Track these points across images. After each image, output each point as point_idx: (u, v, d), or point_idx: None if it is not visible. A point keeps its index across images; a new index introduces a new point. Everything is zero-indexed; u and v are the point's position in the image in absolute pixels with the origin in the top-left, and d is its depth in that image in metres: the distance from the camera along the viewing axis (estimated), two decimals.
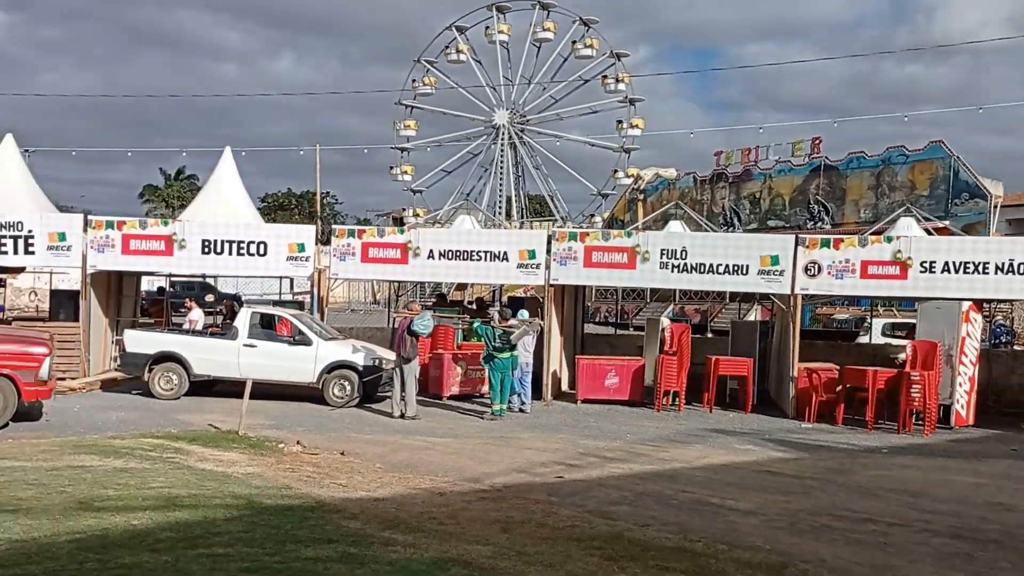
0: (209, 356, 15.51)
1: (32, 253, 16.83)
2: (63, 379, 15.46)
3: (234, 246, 17.04)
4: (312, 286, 18.03)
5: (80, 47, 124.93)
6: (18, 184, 19.70)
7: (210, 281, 31.36)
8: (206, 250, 17.00)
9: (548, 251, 16.51)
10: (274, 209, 60.99)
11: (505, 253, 16.58)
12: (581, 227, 42.51)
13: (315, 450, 11.75)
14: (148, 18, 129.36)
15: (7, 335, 13.30)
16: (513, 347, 14.91)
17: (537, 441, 13.17)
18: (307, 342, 15.46)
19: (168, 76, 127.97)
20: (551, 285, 16.60)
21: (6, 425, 12.19)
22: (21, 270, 19.49)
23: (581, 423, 15.03)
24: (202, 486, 8.91)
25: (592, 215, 52.22)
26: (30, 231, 16.73)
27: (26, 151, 21.99)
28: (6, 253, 16.79)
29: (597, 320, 34.32)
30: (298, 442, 12.02)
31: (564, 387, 18.06)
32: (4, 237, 16.68)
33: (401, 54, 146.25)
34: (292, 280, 23.87)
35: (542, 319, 16.68)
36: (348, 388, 15.38)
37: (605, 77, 52.30)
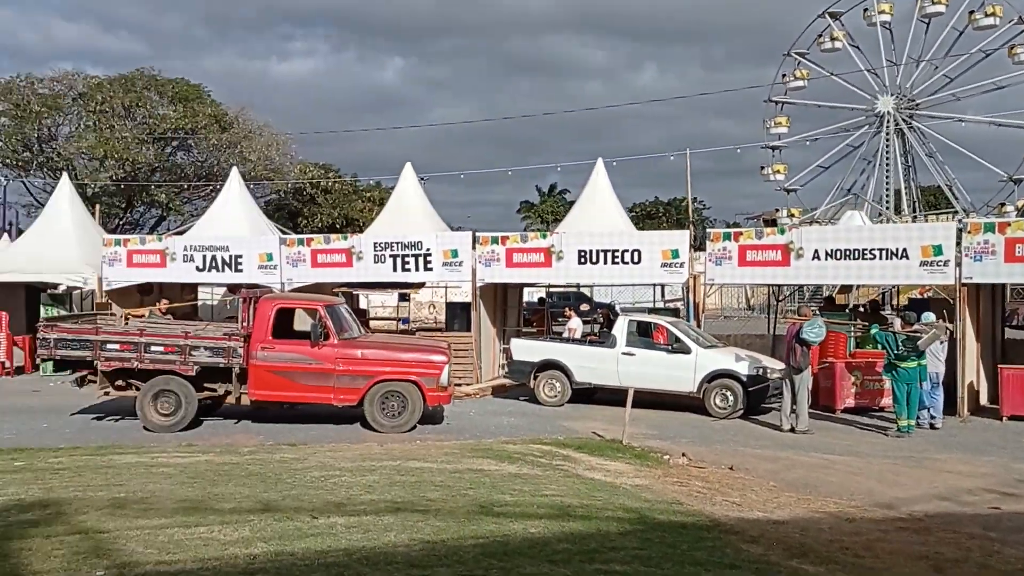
0: (589, 364, 15.65)
1: (430, 269, 18.30)
2: (459, 385, 16.56)
3: (608, 255, 17.12)
4: (686, 292, 17.56)
5: (462, 81, 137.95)
6: (417, 208, 21.69)
7: (584, 291, 32.23)
8: (582, 260, 17.28)
9: (958, 246, 14.39)
10: (642, 218, 61.72)
11: (904, 250, 14.74)
12: (989, 218, 37.31)
13: (701, 463, 11.20)
14: (520, 48, 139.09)
15: (412, 345, 14.47)
16: (920, 355, 13.13)
17: (958, 463, 11.39)
18: (686, 350, 14.98)
19: (539, 99, 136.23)
20: (964, 284, 14.43)
21: (413, 427, 13.20)
22: (421, 285, 21.39)
23: (1011, 444, 12.79)
24: (592, 496, 8.76)
25: (1002, 204, 45.60)
26: (428, 250, 18.20)
27: (421, 178, 24.14)
28: (409, 270, 18.43)
29: (1015, 324, 29.77)
30: (683, 454, 11.55)
31: (983, 401, 15.64)
32: (407, 256, 18.31)
33: (767, 51, 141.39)
34: (663, 287, 23.62)
35: (948, 323, 14.59)
36: (731, 398, 14.62)
37: (1013, 47, 45.68)
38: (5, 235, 31.61)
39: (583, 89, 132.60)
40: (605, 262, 17.08)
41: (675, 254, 16.72)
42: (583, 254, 17.21)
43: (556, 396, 15.78)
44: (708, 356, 14.98)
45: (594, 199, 20.26)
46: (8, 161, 41.81)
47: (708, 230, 18.04)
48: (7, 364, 19.89)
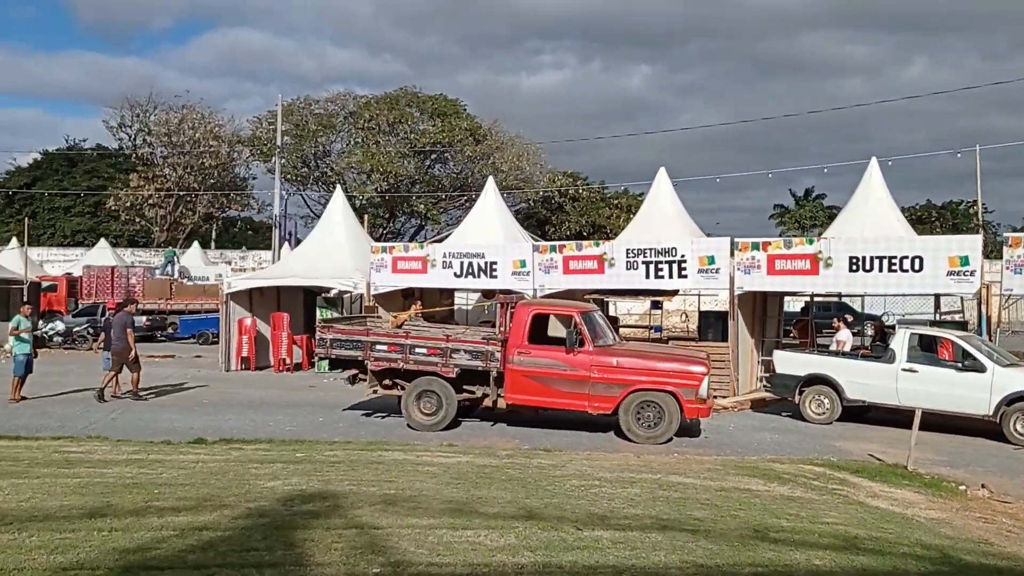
0: (863, 380, 14.34)
1: (685, 276, 17.62)
2: (715, 397, 15.78)
3: (884, 262, 15.59)
4: (978, 304, 15.66)
5: (710, 85, 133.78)
6: (671, 213, 21.10)
7: (847, 300, 29.99)
8: (854, 267, 15.85)
9: None
10: (911, 223, 56.54)
11: None
12: None
13: (1006, 497, 9.81)
14: (772, 48, 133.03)
15: (669, 354, 13.94)
16: None
17: None
18: (979, 368, 13.29)
19: (792, 100, 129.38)
20: None
21: (670, 440, 12.67)
22: (675, 293, 20.74)
23: None
24: (881, 528, 7.85)
25: None
26: (683, 256, 17.53)
27: (674, 183, 23.45)
28: (663, 277, 17.87)
29: None
30: (983, 485, 10.19)
31: None
32: (661, 263, 17.76)
33: None
34: (938, 298, 21.35)
35: None
36: None
37: None
38: (286, 244, 34.71)
39: (841, 88, 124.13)
40: (880, 270, 15.56)
41: (964, 261, 14.91)
42: (855, 261, 15.79)
43: (824, 413, 14.62)
44: (1008, 376, 13.19)
45: (867, 201, 18.62)
46: (289, 176, 46.00)
47: (1005, 235, 15.90)
48: (287, 361, 21.64)
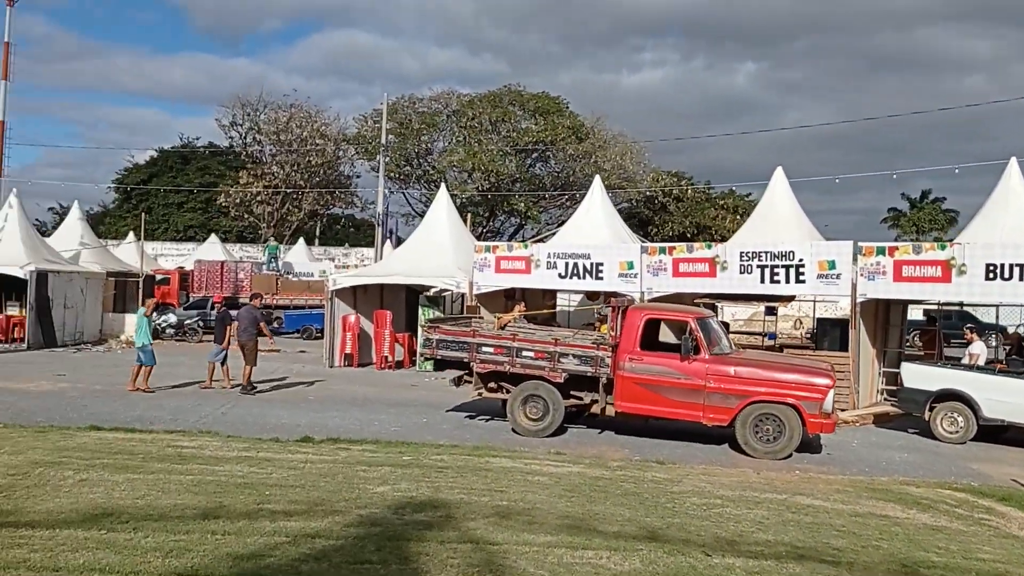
0: (1002, 397, 13.27)
1: (802, 282, 16.75)
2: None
3: None
4: None
5: (818, 82, 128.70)
6: (787, 215, 20.17)
7: (968, 309, 28.28)
8: (991, 275, 14.73)
9: None
10: None
11: None
12: None
13: None
14: (886, 43, 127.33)
15: (790, 364, 13.17)
16: None
17: None
18: None
19: (906, 98, 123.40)
20: None
21: (789, 456, 11.96)
22: (791, 298, 19.84)
23: None
24: None
25: None
26: (800, 260, 16.66)
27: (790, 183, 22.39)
28: (778, 282, 17.03)
29: None
30: None
31: None
32: (777, 267, 16.93)
33: None
34: None
35: None
36: None
37: None
38: (388, 242, 34.97)
39: (960, 85, 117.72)
40: (1021, 278, 14.42)
41: None
42: (992, 268, 14.66)
43: (957, 432, 13.59)
44: None
45: (1007, 205, 17.29)
46: (392, 175, 46.42)
47: None
48: (389, 358, 21.64)
